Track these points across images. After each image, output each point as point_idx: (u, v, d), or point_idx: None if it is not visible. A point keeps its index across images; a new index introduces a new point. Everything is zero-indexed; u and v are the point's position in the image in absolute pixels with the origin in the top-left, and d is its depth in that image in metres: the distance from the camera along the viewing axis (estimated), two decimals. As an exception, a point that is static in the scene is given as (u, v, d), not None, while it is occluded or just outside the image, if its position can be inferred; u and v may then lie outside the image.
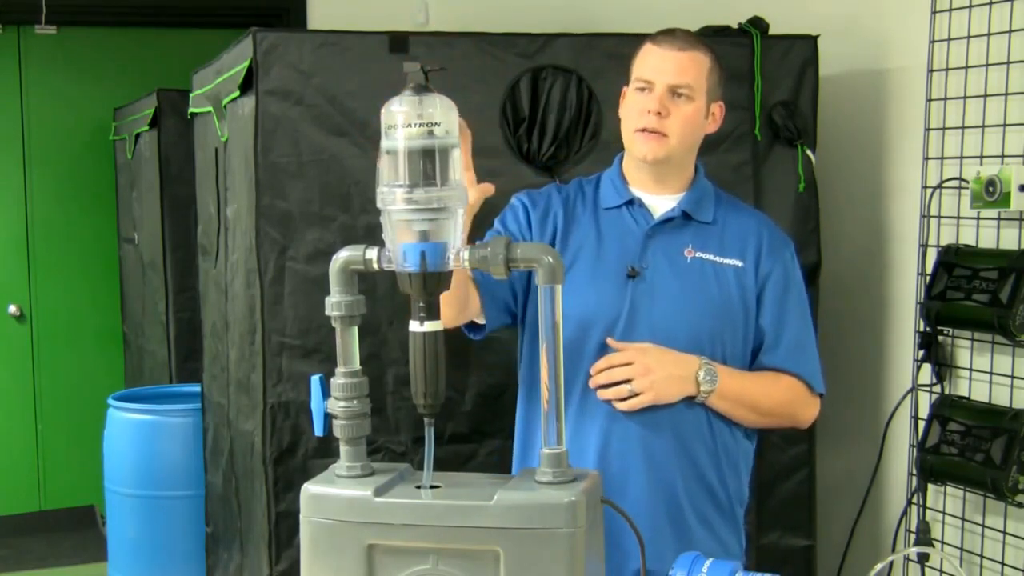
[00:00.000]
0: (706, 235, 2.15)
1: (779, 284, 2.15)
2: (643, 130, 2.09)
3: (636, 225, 2.15)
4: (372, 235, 1.80)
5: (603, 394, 2.08)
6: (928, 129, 2.85)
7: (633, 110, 2.11)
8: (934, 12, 2.80)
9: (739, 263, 2.13)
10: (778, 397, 2.16)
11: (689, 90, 2.08)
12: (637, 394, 2.05)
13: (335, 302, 1.64)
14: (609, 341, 2.08)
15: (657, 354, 2.06)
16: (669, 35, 2.12)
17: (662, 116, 2.07)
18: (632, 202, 2.16)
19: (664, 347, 2.07)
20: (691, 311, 2.10)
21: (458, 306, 2.03)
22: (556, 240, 2.15)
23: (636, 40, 2.17)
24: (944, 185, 2.80)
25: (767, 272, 2.15)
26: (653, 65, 2.09)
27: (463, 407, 2.77)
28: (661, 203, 2.17)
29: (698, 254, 2.13)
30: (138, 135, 4.82)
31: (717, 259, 2.13)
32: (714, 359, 2.09)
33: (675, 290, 2.10)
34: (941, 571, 2.84)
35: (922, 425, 2.79)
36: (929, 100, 2.84)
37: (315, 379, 1.69)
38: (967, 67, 2.74)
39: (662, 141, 2.09)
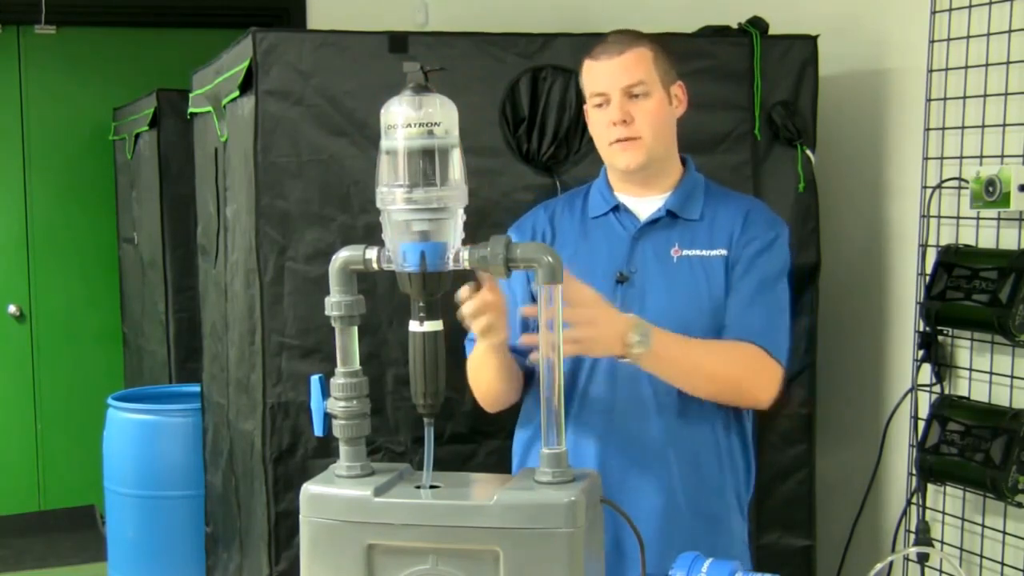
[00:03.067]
0: (693, 231, 2.14)
1: (750, 256, 2.10)
2: (615, 142, 2.10)
3: (623, 230, 2.15)
4: (372, 235, 1.79)
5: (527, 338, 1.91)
6: (928, 129, 2.84)
7: (600, 127, 2.13)
8: (934, 12, 2.79)
9: (724, 252, 2.11)
10: (725, 357, 2.04)
11: (643, 86, 2.08)
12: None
13: (335, 302, 1.64)
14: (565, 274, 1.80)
15: (606, 310, 1.94)
16: (603, 45, 2.12)
17: (628, 123, 2.08)
18: (617, 208, 2.17)
19: (608, 305, 1.97)
20: (681, 311, 2.08)
21: (514, 393, 2.13)
22: None
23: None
24: (944, 185, 2.80)
25: (740, 248, 2.10)
26: (600, 77, 2.11)
27: (463, 407, 2.76)
28: (647, 205, 2.17)
29: (685, 252, 2.12)
30: (138, 135, 4.82)
31: (704, 252, 2.11)
32: None
33: (664, 291, 2.09)
34: (941, 571, 2.84)
35: (922, 425, 2.79)
36: (929, 100, 2.84)
37: (315, 379, 1.69)
38: (967, 67, 2.74)
39: (637, 146, 2.09)
